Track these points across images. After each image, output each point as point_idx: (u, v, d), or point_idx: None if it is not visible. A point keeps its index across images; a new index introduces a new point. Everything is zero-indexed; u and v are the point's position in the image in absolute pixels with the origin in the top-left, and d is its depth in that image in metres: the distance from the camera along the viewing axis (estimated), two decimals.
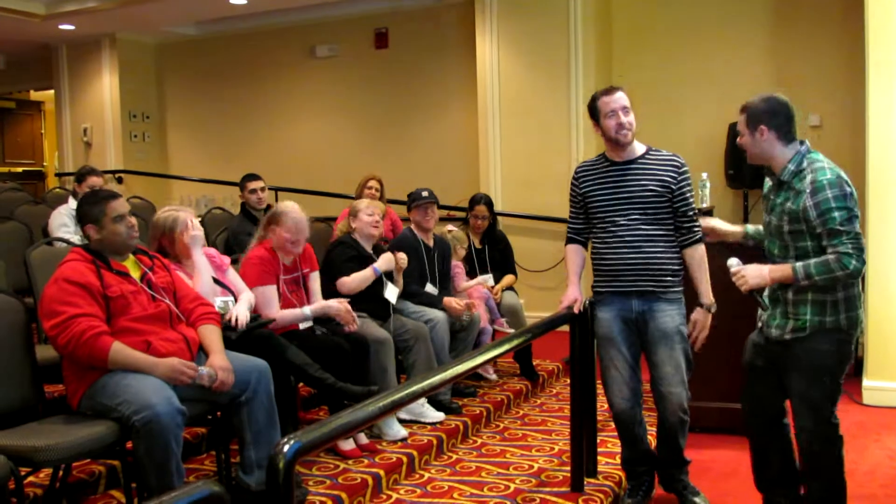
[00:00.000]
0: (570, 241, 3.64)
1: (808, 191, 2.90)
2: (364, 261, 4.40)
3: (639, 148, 3.43)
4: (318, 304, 4.04)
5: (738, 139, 3.14)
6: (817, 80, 6.59)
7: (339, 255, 4.38)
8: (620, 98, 3.35)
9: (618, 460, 3.77)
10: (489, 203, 5.56)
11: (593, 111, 3.41)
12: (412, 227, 4.91)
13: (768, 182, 3.18)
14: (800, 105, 6.80)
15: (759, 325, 3.22)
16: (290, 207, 3.96)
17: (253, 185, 5.71)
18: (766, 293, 3.11)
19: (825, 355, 2.98)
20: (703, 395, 4.27)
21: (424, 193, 4.88)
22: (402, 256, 4.50)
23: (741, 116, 3.08)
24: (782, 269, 2.96)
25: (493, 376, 5.24)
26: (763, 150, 3.04)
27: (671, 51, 7.05)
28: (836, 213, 2.85)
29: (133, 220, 3.13)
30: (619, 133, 3.34)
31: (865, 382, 5.19)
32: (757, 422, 3.28)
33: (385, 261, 4.40)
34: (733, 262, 3.10)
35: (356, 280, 4.28)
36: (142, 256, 3.22)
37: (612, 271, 3.41)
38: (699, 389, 4.10)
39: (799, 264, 2.92)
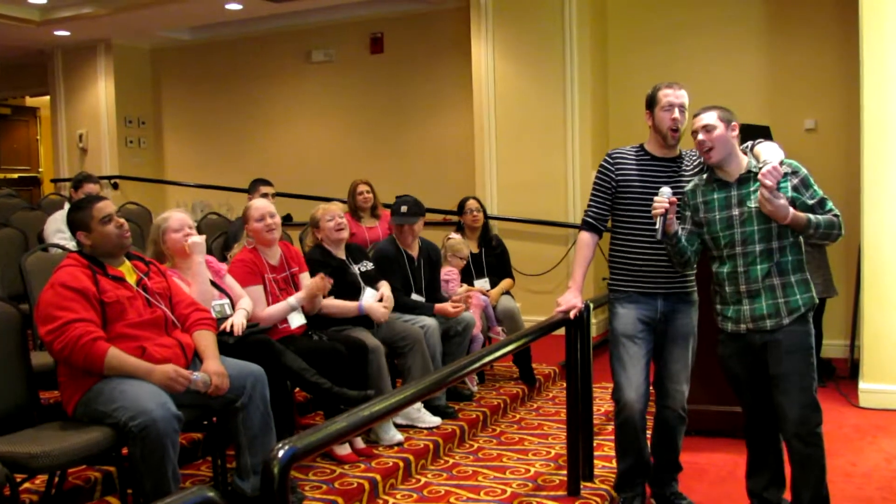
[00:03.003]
0: (587, 226, 3.44)
1: (788, 172, 3.11)
2: (338, 271, 4.23)
3: (676, 147, 3.41)
4: (301, 291, 3.96)
5: (705, 134, 3.11)
6: (812, 84, 6.61)
7: (313, 274, 4.07)
8: (681, 95, 3.31)
9: (614, 464, 3.75)
10: (478, 200, 5.59)
11: (651, 100, 3.35)
12: (395, 235, 4.80)
13: (706, 186, 3.21)
14: (795, 108, 6.91)
15: (731, 331, 3.22)
16: (254, 202, 4.09)
17: (265, 189, 5.69)
18: (743, 286, 3.15)
19: (810, 335, 3.15)
20: (700, 399, 4.26)
21: (404, 209, 4.68)
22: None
23: (709, 114, 3.14)
24: (797, 215, 3.05)
25: (475, 388, 5.06)
26: (731, 147, 3.15)
27: (666, 55, 7.06)
28: (816, 186, 3.14)
29: (122, 220, 3.12)
30: (671, 130, 3.29)
31: (861, 385, 5.20)
32: (762, 428, 3.31)
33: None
34: (666, 191, 3.13)
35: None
36: (137, 262, 3.21)
37: (642, 271, 3.34)
38: (696, 392, 4.09)
39: (811, 215, 3.06)
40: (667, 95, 3.30)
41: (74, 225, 3.10)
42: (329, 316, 4.18)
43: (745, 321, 3.18)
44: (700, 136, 3.12)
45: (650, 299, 3.35)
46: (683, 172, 3.37)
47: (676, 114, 3.28)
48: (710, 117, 3.13)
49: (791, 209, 3.02)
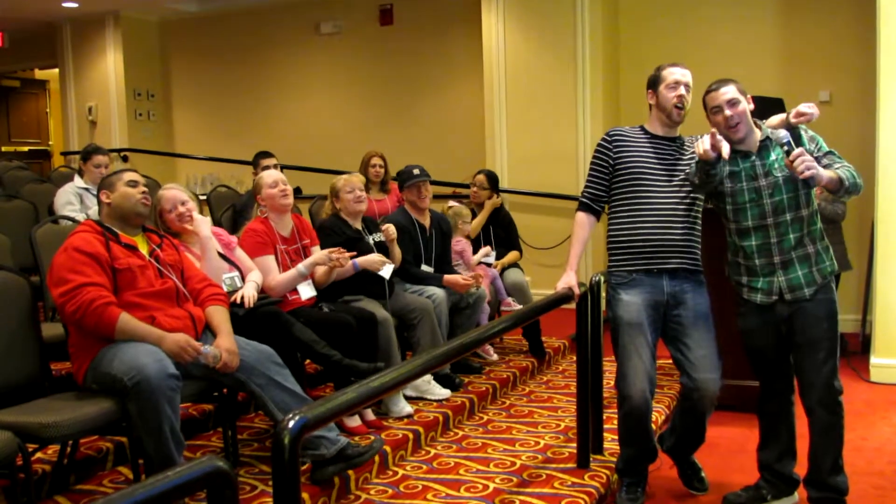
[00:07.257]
0: (584, 207, 3.35)
1: (804, 135, 3.12)
2: (353, 241, 4.25)
3: (677, 128, 3.34)
4: (309, 259, 3.93)
5: (732, 109, 3.05)
6: (827, 56, 6.53)
7: (328, 242, 4.12)
8: (686, 74, 3.24)
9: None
10: (490, 176, 5.56)
11: (653, 80, 3.27)
12: (406, 206, 4.81)
13: (727, 162, 3.09)
14: (809, 81, 6.80)
15: (760, 302, 3.17)
16: (265, 172, 4.14)
17: (267, 161, 5.69)
18: (777, 257, 3.10)
19: (835, 302, 3.16)
20: None
21: (416, 171, 4.72)
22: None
23: (729, 87, 3.09)
24: (830, 176, 2.96)
25: (494, 357, 5.14)
26: (750, 120, 3.12)
27: (678, 26, 6.98)
28: (825, 145, 3.14)
29: (146, 190, 3.18)
30: (675, 107, 3.21)
31: (873, 360, 5.19)
32: (778, 400, 3.30)
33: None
34: (782, 135, 2.96)
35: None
36: (151, 234, 3.24)
37: (646, 248, 3.21)
38: None
39: (841, 170, 2.99)
40: (672, 73, 3.23)
41: (102, 185, 3.19)
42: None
43: (779, 291, 3.12)
44: (727, 112, 3.05)
45: (656, 279, 3.22)
46: (685, 153, 3.29)
47: (682, 91, 3.21)
48: (732, 91, 3.07)
49: (822, 171, 2.94)
